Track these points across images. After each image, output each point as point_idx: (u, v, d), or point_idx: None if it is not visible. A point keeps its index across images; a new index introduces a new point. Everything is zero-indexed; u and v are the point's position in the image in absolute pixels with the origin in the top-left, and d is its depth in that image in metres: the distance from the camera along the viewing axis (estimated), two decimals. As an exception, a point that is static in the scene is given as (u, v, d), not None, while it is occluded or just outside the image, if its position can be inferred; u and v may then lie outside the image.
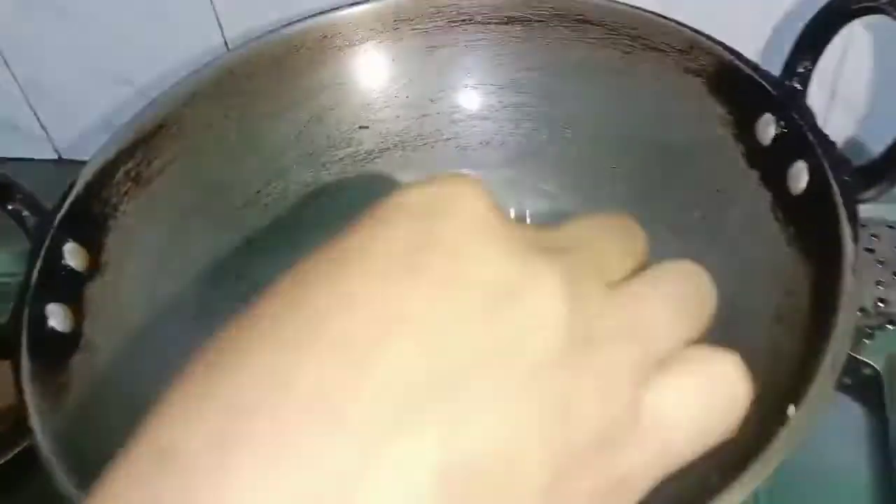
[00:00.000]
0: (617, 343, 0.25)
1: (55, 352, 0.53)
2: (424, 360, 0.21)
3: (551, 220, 0.69)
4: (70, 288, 0.56)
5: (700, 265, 0.31)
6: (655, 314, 0.27)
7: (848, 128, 0.78)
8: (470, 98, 0.74)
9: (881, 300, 0.65)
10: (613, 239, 0.30)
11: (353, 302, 0.22)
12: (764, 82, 0.59)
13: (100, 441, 0.50)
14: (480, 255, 0.23)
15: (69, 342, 0.54)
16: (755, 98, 0.60)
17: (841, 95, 0.76)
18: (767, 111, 0.59)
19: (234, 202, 0.69)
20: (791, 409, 0.43)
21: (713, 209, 0.63)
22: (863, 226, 0.66)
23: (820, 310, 0.49)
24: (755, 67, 0.61)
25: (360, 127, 0.74)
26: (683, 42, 0.65)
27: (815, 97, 0.60)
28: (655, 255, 0.62)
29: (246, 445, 0.19)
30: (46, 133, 0.91)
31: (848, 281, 0.48)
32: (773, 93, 0.59)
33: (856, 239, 0.50)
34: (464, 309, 0.22)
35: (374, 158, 0.74)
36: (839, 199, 0.52)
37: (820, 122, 0.56)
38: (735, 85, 0.62)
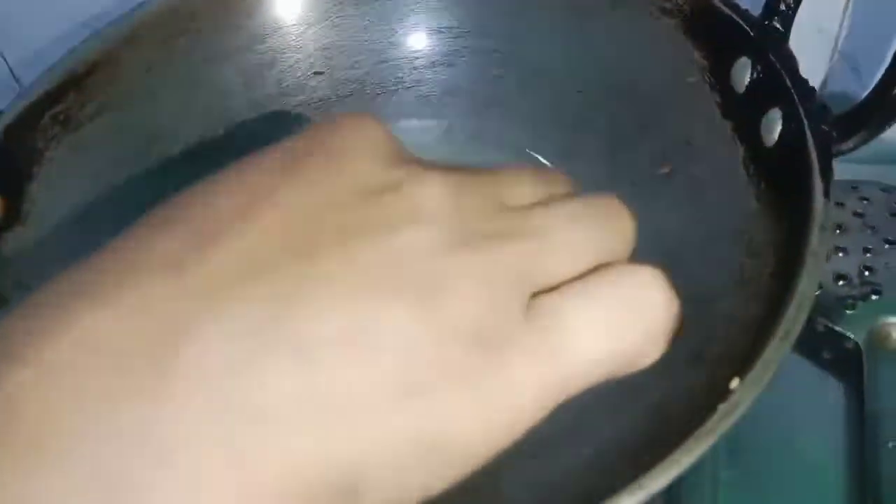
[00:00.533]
0: (505, 247, 0.25)
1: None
2: (280, 236, 0.23)
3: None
4: (-20, 237, 0.53)
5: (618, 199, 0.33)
6: (557, 226, 0.27)
7: (851, 85, 0.72)
8: (433, 42, 0.69)
9: (867, 268, 0.59)
10: (527, 182, 0.31)
11: (233, 190, 0.26)
12: (742, 22, 0.54)
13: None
14: (365, 159, 0.26)
15: (-26, 295, 0.51)
16: (732, 40, 0.54)
17: (842, 50, 0.70)
18: (744, 54, 0.53)
19: (173, 152, 0.65)
20: (735, 382, 0.38)
21: (681, 163, 0.57)
22: (854, 187, 0.61)
23: (781, 272, 0.44)
24: (733, 6, 0.55)
25: (315, 73, 0.69)
26: (659, -20, 0.59)
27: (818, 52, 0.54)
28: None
29: (97, 287, 0.23)
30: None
31: (814, 240, 0.43)
32: (751, 34, 0.53)
33: (827, 194, 0.45)
34: (337, 197, 0.24)
35: (330, 107, 0.69)
36: (812, 150, 0.47)
37: (820, 80, 0.51)
38: (711, 26, 0.56)
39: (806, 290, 0.41)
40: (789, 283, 0.42)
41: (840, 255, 0.61)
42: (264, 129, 0.68)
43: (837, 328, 0.59)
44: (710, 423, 0.36)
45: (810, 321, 0.60)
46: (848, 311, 0.59)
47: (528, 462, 0.35)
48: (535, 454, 0.31)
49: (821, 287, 0.62)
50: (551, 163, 0.64)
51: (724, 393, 0.38)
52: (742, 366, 0.39)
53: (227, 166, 0.30)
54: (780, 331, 0.39)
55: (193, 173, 0.64)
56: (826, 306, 0.60)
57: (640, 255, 0.56)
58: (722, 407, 0.37)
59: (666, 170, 0.58)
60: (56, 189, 0.58)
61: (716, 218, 0.53)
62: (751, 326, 0.44)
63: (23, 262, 0.55)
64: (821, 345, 0.59)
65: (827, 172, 0.45)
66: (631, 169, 0.60)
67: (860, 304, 0.58)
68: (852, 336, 0.57)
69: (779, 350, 0.38)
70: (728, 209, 0.52)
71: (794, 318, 0.39)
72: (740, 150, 0.53)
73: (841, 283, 0.60)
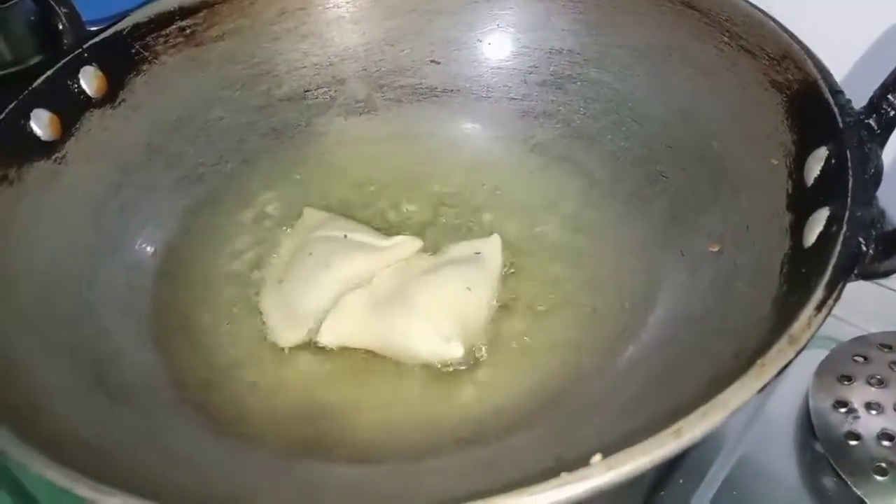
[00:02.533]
0: None
1: (20, 148, 0.56)
2: None
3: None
4: (70, 104, 0.59)
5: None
6: None
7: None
8: (548, 63, 0.67)
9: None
10: None
11: None
12: (837, 111, 0.47)
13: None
14: None
15: (41, 148, 0.57)
16: (821, 127, 0.48)
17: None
18: (824, 144, 0.47)
19: (277, 93, 0.69)
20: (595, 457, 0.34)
21: (732, 247, 0.51)
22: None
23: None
24: (836, 92, 0.48)
25: (432, 61, 0.70)
26: (778, 49, 0.54)
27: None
28: (664, 276, 0.53)
29: None
30: None
31: (779, 348, 0.37)
32: (840, 125, 0.46)
33: (820, 307, 0.38)
34: None
35: (434, 96, 0.70)
36: (833, 258, 0.40)
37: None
38: (811, 109, 0.50)
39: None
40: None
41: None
42: (365, 97, 0.70)
43: (859, 492, 0.50)
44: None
45: (837, 475, 0.52)
46: (878, 478, 0.50)
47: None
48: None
49: (857, 438, 0.53)
50: (612, 212, 0.60)
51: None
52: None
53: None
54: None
55: (285, 121, 0.68)
56: (855, 462, 0.51)
57: (653, 317, 0.52)
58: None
59: (715, 249, 0.52)
60: (157, 92, 0.64)
61: (729, 312, 0.47)
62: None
63: (100, 141, 0.61)
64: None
65: (834, 285, 0.39)
66: (685, 238, 0.55)
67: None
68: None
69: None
70: (745, 307, 0.46)
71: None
72: (785, 247, 0.47)
73: (885, 442, 0.51)
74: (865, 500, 0.51)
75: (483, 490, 0.34)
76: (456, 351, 0.52)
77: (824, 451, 0.55)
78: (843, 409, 0.56)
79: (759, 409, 0.57)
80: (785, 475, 0.55)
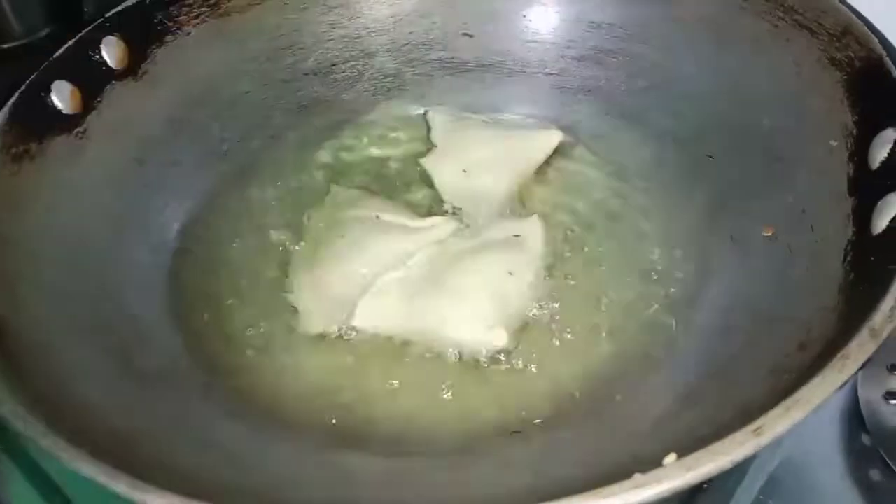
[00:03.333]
0: None
1: (41, 121, 0.53)
2: None
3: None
4: (91, 76, 0.57)
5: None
6: None
7: None
8: (589, 36, 0.64)
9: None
10: None
11: None
12: (905, 89, 0.45)
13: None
14: None
15: (61, 121, 0.54)
16: (888, 107, 0.46)
17: None
18: (892, 125, 0.45)
19: (303, 66, 0.66)
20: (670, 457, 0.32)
21: (787, 231, 0.49)
22: None
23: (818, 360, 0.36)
24: (905, 70, 0.46)
25: (465, 34, 0.67)
26: (838, 25, 0.51)
27: None
28: (715, 261, 0.51)
29: None
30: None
31: (860, 341, 0.35)
32: (910, 104, 0.44)
33: (900, 301, 0.36)
34: None
35: (466, 70, 0.67)
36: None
37: None
38: (874, 88, 0.48)
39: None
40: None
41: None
42: (395, 71, 0.67)
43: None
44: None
45: (889, 468, 0.50)
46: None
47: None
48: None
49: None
50: (657, 196, 0.58)
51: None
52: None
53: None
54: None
55: (312, 96, 0.66)
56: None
57: (705, 304, 0.50)
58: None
59: (769, 233, 0.50)
60: (181, 64, 0.62)
61: (787, 299, 0.45)
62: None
63: (122, 112, 0.58)
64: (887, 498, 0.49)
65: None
66: (736, 222, 0.53)
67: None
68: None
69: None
70: (805, 295, 0.44)
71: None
72: (849, 233, 0.44)
73: None
74: (920, 494, 0.49)
75: (542, 485, 0.32)
76: (499, 338, 0.50)
77: (874, 443, 0.53)
78: (894, 401, 0.54)
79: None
80: (832, 468, 0.54)
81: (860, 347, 0.35)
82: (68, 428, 0.37)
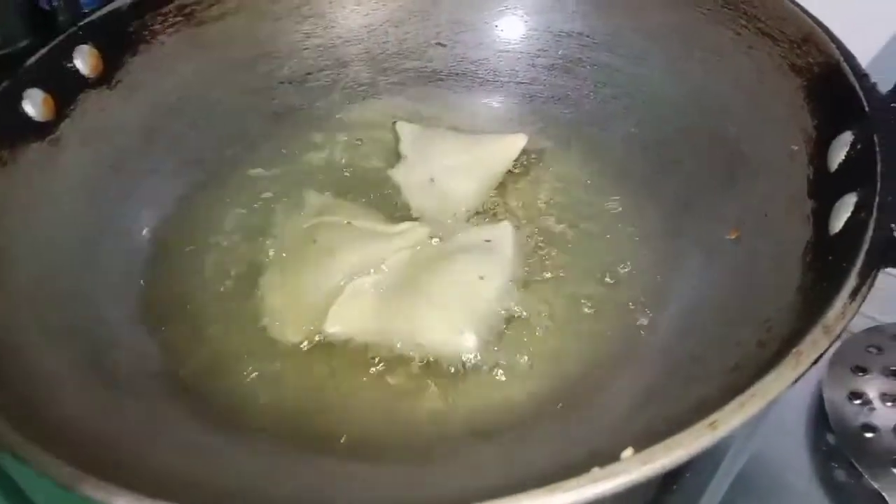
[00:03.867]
0: None
1: (12, 128, 0.53)
2: None
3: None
4: (64, 84, 0.57)
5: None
6: None
7: None
8: (557, 46, 0.65)
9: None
10: None
11: None
12: (862, 94, 0.46)
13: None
14: None
15: (35, 129, 0.55)
16: (845, 111, 0.47)
17: None
18: (849, 128, 0.46)
19: (278, 75, 0.67)
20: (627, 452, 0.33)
21: (750, 234, 0.50)
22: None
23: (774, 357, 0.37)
24: (861, 76, 0.47)
25: (438, 44, 0.68)
26: (799, 32, 0.52)
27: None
28: (680, 264, 0.52)
29: None
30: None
31: (813, 337, 0.36)
32: (865, 108, 0.45)
33: (854, 294, 0.37)
34: None
35: (439, 80, 0.68)
36: (865, 244, 0.39)
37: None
38: (833, 93, 0.49)
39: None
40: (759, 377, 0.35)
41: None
42: (369, 80, 0.68)
43: (876, 485, 0.49)
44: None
45: (853, 468, 0.51)
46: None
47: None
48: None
49: (874, 430, 0.53)
50: (624, 199, 0.59)
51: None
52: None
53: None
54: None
55: (287, 104, 0.66)
56: (871, 455, 0.50)
57: (670, 305, 0.51)
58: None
59: (734, 236, 0.51)
60: (156, 73, 0.62)
61: (749, 300, 0.46)
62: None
63: (97, 121, 0.59)
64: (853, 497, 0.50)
65: (867, 272, 0.37)
66: (700, 225, 0.54)
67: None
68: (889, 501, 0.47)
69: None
70: (766, 295, 0.45)
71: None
72: (808, 234, 0.45)
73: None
74: (882, 493, 0.50)
75: (509, 485, 0.33)
76: (469, 342, 0.50)
77: (839, 443, 0.54)
78: (858, 401, 0.55)
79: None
80: (798, 468, 0.55)
81: (814, 344, 0.35)
82: (38, 432, 0.37)
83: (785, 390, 0.34)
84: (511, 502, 0.31)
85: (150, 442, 0.44)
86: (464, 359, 0.51)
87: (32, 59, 0.56)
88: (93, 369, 0.47)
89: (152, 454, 0.42)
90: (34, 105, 0.55)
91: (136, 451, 0.42)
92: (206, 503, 0.38)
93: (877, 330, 0.59)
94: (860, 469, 0.52)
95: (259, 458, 0.46)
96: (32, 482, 0.51)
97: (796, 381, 0.34)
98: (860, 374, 0.57)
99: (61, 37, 0.57)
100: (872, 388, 0.56)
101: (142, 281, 0.55)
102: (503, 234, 0.56)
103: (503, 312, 0.53)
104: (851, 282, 0.38)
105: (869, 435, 0.53)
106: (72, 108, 0.57)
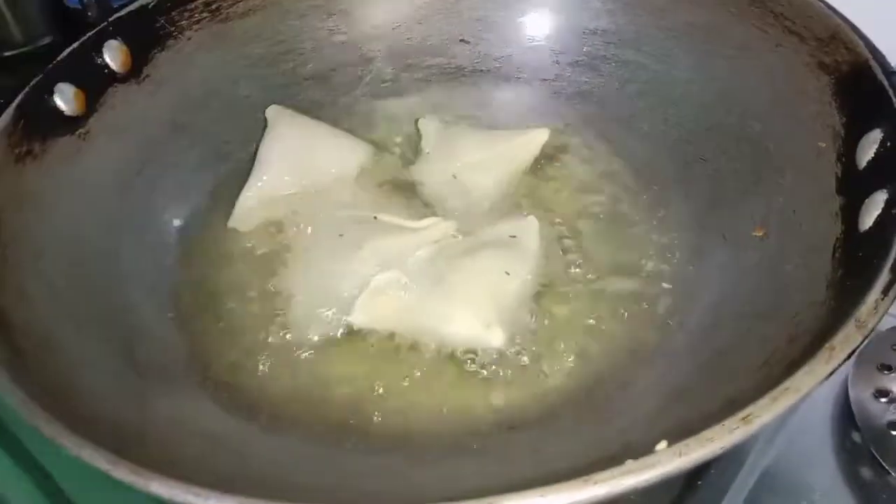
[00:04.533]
0: None
1: (44, 122, 0.54)
2: None
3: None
4: (94, 79, 0.58)
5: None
6: None
7: None
8: (582, 43, 0.65)
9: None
10: None
11: None
12: (891, 91, 0.46)
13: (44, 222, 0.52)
14: None
15: (65, 123, 0.55)
16: (874, 109, 0.47)
17: None
18: (879, 126, 0.46)
19: (303, 72, 0.67)
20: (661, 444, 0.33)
21: (778, 231, 0.50)
22: None
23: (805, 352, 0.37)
24: (890, 73, 0.47)
25: (462, 40, 0.68)
26: (826, 30, 0.52)
27: None
28: (707, 260, 0.52)
29: None
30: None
31: (846, 333, 0.36)
32: (895, 106, 0.45)
33: (887, 290, 0.37)
34: None
35: (462, 76, 0.68)
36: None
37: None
38: (862, 91, 0.49)
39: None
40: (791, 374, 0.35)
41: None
42: (393, 77, 0.68)
43: (904, 483, 0.49)
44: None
45: (880, 466, 0.51)
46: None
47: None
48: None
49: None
50: (650, 196, 0.59)
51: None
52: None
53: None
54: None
55: (311, 100, 0.67)
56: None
57: (698, 301, 0.51)
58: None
59: (760, 233, 0.51)
60: (182, 68, 0.63)
61: (777, 296, 0.46)
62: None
63: (125, 116, 0.59)
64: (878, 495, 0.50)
65: (899, 269, 0.37)
66: (727, 223, 0.54)
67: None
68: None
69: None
70: (795, 291, 0.45)
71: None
72: (838, 231, 0.45)
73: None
74: (910, 491, 0.50)
75: (540, 476, 0.33)
76: (497, 337, 0.51)
77: (865, 441, 0.54)
78: (884, 399, 0.55)
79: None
80: (823, 466, 0.54)
81: (846, 339, 0.35)
82: (71, 418, 0.38)
83: (817, 385, 0.34)
84: (544, 493, 0.31)
85: (180, 430, 0.44)
86: (491, 352, 0.51)
87: (63, 54, 0.56)
88: (123, 358, 0.48)
89: (182, 441, 0.43)
90: (65, 99, 0.55)
91: (167, 438, 0.42)
92: (232, 491, 0.38)
93: (902, 329, 0.59)
94: (886, 467, 0.51)
95: (287, 449, 0.46)
96: (63, 469, 0.52)
97: (829, 376, 0.34)
98: (886, 372, 0.56)
99: (91, 32, 0.58)
100: (898, 386, 0.55)
101: (170, 273, 0.56)
102: (528, 228, 0.56)
103: (529, 307, 0.53)
104: (884, 277, 0.38)
105: (895, 433, 0.53)
106: (101, 102, 0.58)
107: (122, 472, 0.35)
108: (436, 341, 0.52)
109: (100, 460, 0.35)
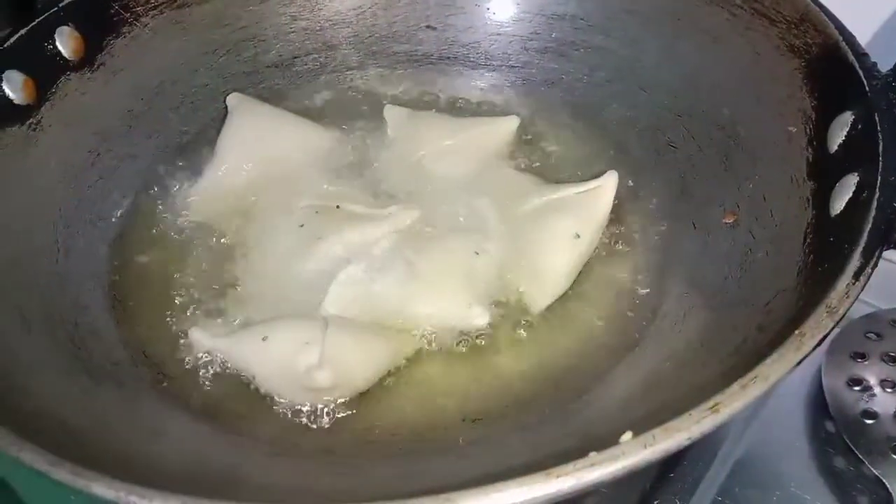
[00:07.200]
0: None
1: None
2: None
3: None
4: (45, 67, 0.55)
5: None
6: None
7: None
8: (550, 29, 0.64)
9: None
10: None
11: None
12: (862, 73, 0.45)
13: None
14: None
15: (14, 112, 0.53)
16: (845, 90, 0.46)
17: None
18: (850, 108, 0.45)
19: (265, 59, 0.65)
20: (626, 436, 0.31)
21: (748, 218, 0.49)
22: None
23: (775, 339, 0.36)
24: (860, 55, 0.46)
25: (428, 27, 0.67)
26: (796, 12, 0.51)
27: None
28: (677, 248, 0.51)
29: None
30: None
31: (816, 318, 0.35)
32: (866, 87, 0.44)
33: (858, 275, 0.36)
34: None
35: (429, 63, 0.67)
36: (868, 224, 0.38)
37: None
38: (832, 73, 0.48)
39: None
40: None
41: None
42: (359, 64, 0.67)
43: (876, 472, 0.49)
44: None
45: (853, 455, 0.50)
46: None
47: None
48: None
49: (874, 417, 0.52)
50: (619, 184, 0.58)
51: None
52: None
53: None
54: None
55: (272, 88, 0.65)
56: (871, 441, 0.50)
57: (668, 289, 0.50)
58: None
59: (731, 220, 0.50)
60: (138, 55, 0.60)
61: (748, 284, 0.45)
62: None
63: (77, 104, 0.57)
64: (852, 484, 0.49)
65: (871, 252, 0.36)
66: (697, 210, 0.53)
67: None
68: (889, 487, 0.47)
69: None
70: (765, 279, 0.44)
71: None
72: (808, 216, 0.44)
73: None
74: (883, 479, 0.49)
75: (502, 471, 0.31)
76: (480, 316, 0.50)
77: (839, 430, 0.53)
78: (857, 388, 0.54)
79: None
80: (797, 455, 0.53)
81: (817, 325, 0.34)
82: (15, 419, 0.36)
83: (787, 373, 0.33)
84: (504, 488, 0.30)
85: (132, 428, 0.42)
86: (464, 337, 0.50)
87: (11, 40, 0.54)
88: (71, 356, 0.46)
89: (133, 440, 0.41)
90: (14, 88, 0.53)
91: (116, 437, 0.41)
92: (179, 490, 0.36)
93: (875, 316, 0.58)
94: (860, 455, 0.51)
95: (242, 446, 0.45)
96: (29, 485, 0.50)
97: (799, 363, 0.33)
98: (859, 360, 0.56)
99: (41, 17, 0.56)
100: (872, 374, 0.55)
101: (123, 269, 0.54)
102: (491, 211, 0.55)
103: (500, 289, 0.52)
104: (855, 262, 0.37)
105: (869, 421, 0.52)
106: (53, 91, 0.56)
107: (62, 474, 0.33)
108: (411, 325, 0.50)
109: (40, 461, 0.33)
